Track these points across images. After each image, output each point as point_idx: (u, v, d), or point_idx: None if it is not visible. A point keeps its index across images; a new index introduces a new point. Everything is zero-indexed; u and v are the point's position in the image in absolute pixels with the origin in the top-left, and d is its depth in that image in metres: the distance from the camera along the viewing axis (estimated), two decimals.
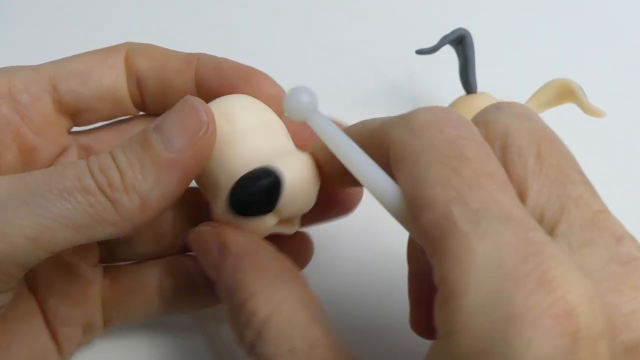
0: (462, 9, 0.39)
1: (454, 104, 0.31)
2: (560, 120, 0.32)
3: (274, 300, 0.17)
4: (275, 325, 0.17)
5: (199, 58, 0.23)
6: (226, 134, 0.20)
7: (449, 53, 0.30)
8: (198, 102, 0.19)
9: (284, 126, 0.22)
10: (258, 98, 0.22)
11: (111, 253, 0.24)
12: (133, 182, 0.18)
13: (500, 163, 0.16)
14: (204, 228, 0.20)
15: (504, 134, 0.17)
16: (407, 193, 0.16)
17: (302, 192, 0.20)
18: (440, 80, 0.35)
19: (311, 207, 0.20)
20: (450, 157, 0.15)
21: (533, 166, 0.16)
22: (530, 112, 0.18)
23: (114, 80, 0.22)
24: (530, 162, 0.16)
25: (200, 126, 0.19)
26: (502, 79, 0.33)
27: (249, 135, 0.20)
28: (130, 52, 0.23)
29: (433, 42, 0.30)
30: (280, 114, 0.22)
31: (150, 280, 0.23)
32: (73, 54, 0.23)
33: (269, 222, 0.20)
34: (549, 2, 0.40)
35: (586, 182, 0.16)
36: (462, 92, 0.31)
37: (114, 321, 0.24)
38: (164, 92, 0.23)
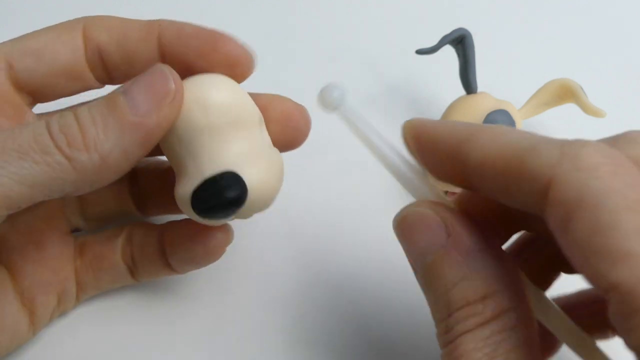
0: (462, 9, 0.39)
1: (454, 104, 0.31)
2: (560, 120, 0.33)
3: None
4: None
5: (161, 24, 0.23)
6: (199, 124, 0.20)
7: (449, 53, 0.30)
8: (167, 69, 0.20)
9: (257, 110, 0.22)
10: (225, 61, 0.22)
11: (82, 217, 0.25)
12: (95, 140, 0.19)
13: None
14: (423, 210, 0.18)
15: None
16: (590, 242, 0.14)
17: (264, 198, 0.21)
18: (440, 80, 0.35)
19: (269, 206, 0.22)
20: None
21: None
22: None
23: (69, 56, 0.22)
24: None
25: (168, 93, 0.20)
26: (502, 79, 0.33)
27: (222, 132, 0.20)
28: (87, 26, 0.23)
29: (433, 42, 0.30)
30: (244, 76, 0.22)
31: (116, 245, 0.25)
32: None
33: (225, 220, 0.21)
34: (549, 2, 0.40)
35: None
36: (462, 92, 0.31)
37: (86, 289, 0.25)
38: (129, 62, 0.23)
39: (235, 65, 0.22)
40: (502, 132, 0.16)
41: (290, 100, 0.23)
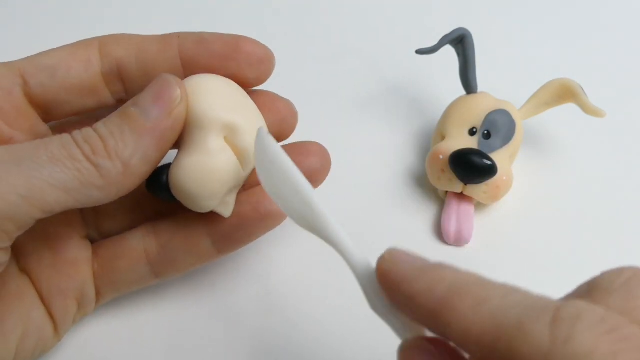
0: (462, 9, 0.39)
1: (454, 104, 0.31)
2: (560, 120, 0.33)
3: None
4: None
5: (180, 35, 0.24)
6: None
7: (449, 53, 0.30)
8: (171, 77, 0.21)
9: (252, 104, 0.23)
10: (247, 61, 0.23)
11: (96, 229, 0.25)
12: (115, 148, 0.20)
13: None
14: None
15: None
16: None
17: (186, 194, 0.22)
18: (440, 80, 0.35)
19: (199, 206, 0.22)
20: None
21: None
22: None
23: (82, 72, 0.23)
24: None
25: (175, 98, 0.21)
26: (502, 79, 0.33)
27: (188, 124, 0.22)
28: (104, 44, 0.24)
29: (433, 42, 0.30)
30: (267, 75, 0.24)
31: (135, 244, 0.24)
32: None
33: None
34: (549, 2, 0.40)
35: None
36: (462, 92, 0.31)
37: (105, 291, 0.25)
38: (148, 74, 0.23)
39: (258, 64, 0.23)
40: (483, 299, 0.15)
41: (275, 95, 0.25)
